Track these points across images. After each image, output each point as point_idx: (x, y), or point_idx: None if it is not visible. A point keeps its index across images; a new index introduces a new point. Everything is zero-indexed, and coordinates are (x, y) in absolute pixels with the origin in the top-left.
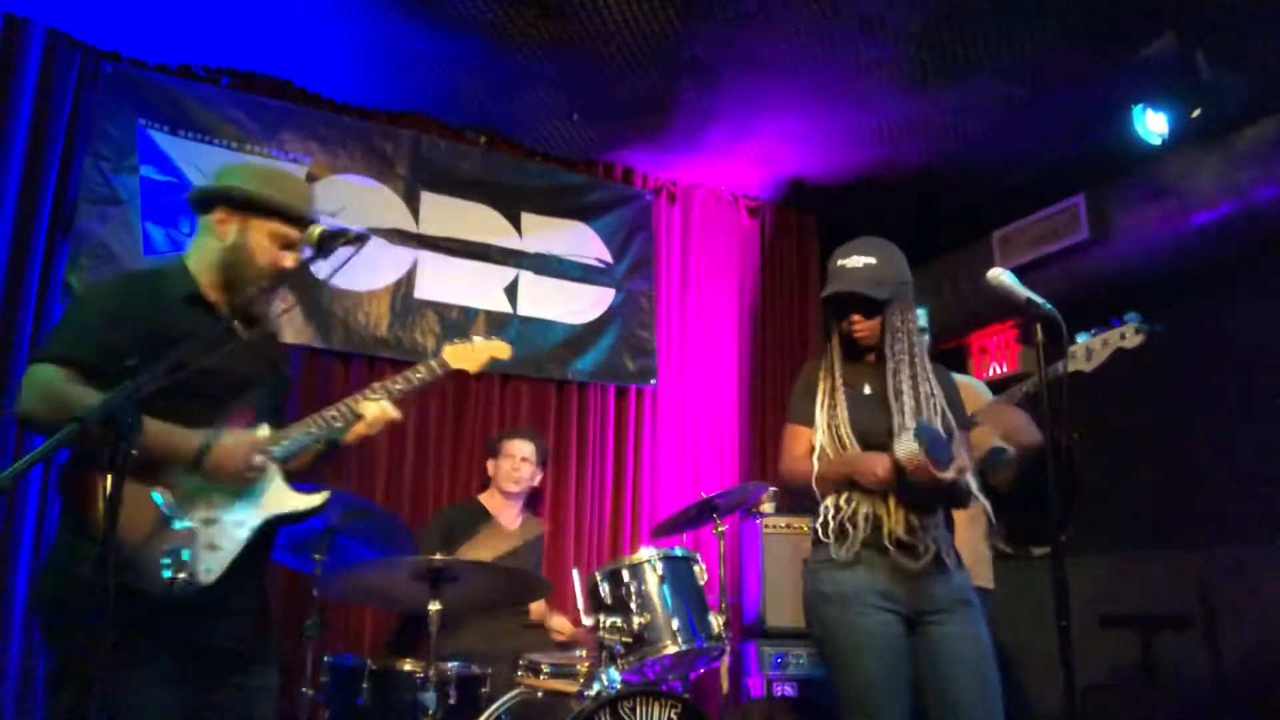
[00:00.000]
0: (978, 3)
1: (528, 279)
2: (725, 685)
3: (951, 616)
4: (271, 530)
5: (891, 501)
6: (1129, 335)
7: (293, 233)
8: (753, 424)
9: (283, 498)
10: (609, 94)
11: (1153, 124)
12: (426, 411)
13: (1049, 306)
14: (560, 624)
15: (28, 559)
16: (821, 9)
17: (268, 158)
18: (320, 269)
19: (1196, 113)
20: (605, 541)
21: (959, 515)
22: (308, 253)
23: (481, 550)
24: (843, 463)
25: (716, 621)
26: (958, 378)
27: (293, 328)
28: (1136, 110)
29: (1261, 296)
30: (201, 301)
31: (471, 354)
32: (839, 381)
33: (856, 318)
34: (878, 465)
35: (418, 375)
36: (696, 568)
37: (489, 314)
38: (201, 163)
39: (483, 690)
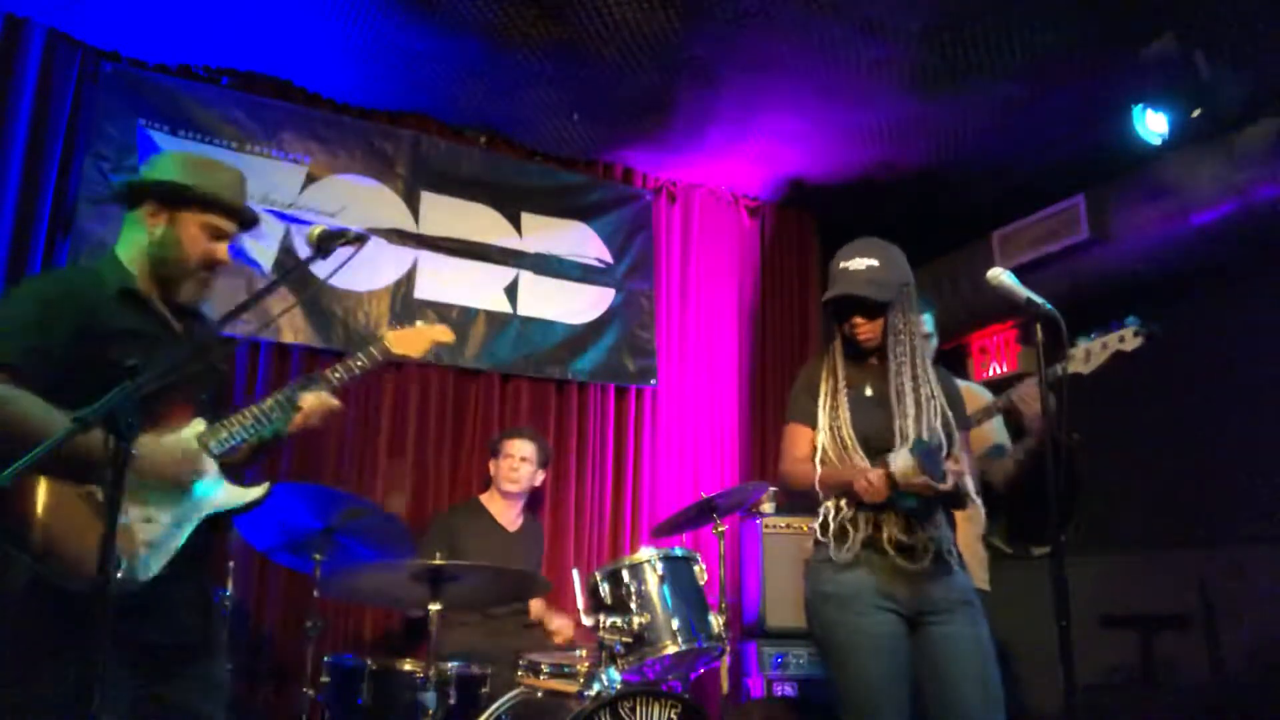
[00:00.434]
0: (978, 3)
1: (528, 279)
2: (725, 685)
3: (952, 617)
4: (212, 525)
5: (891, 507)
6: (1128, 338)
7: (224, 223)
8: (753, 424)
9: (221, 493)
10: (609, 94)
11: (1153, 124)
12: (426, 411)
13: (1049, 306)
14: (560, 625)
15: None
16: (822, 9)
17: (268, 158)
18: (320, 269)
19: (1196, 113)
20: (605, 541)
21: (956, 515)
22: (308, 252)
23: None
24: (840, 475)
25: (716, 621)
26: (958, 383)
27: (293, 328)
28: (1136, 110)
29: (1261, 296)
30: (134, 296)
31: (414, 338)
32: (841, 383)
33: (859, 320)
34: (874, 482)
35: (358, 363)
36: (696, 568)
37: (489, 314)
38: None
39: (483, 690)
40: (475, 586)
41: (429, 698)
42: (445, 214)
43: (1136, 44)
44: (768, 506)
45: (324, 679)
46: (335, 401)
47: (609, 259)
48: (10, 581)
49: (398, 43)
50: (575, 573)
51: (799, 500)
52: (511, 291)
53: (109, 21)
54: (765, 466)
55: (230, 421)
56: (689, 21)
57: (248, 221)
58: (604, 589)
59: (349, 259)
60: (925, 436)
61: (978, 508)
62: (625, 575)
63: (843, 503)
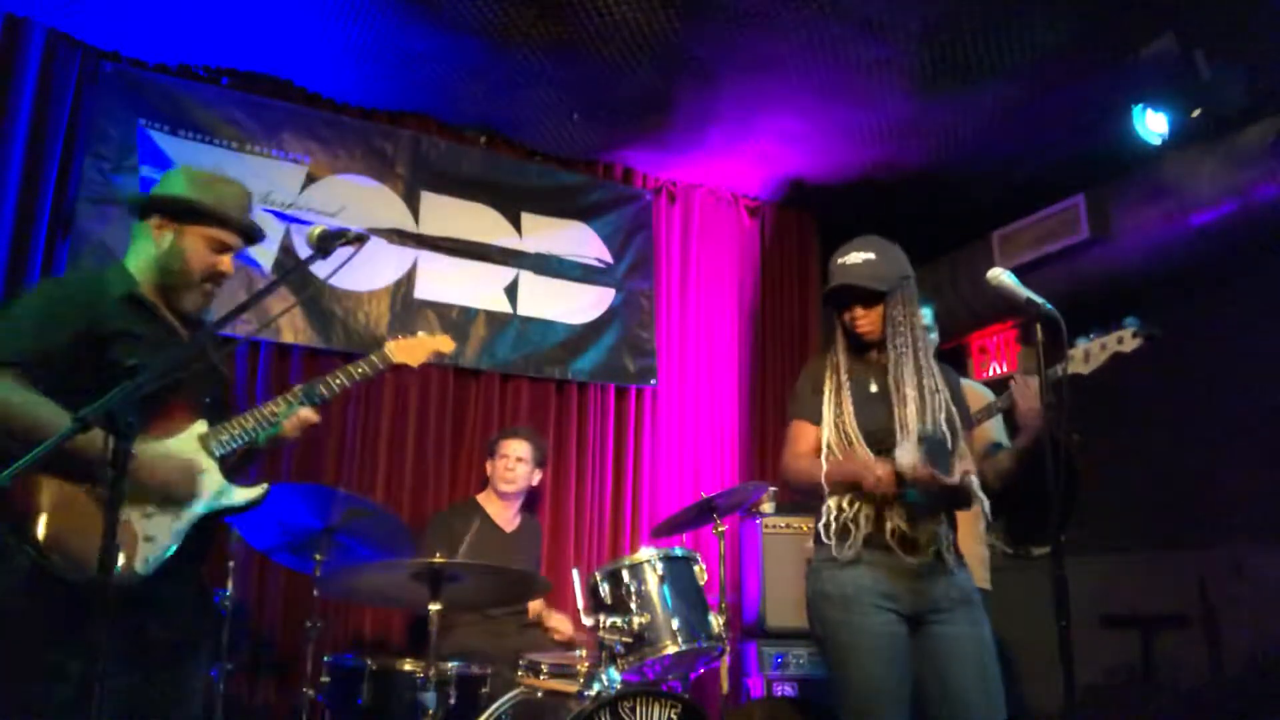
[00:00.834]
0: (978, 3)
1: (528, 279)
2: (725, 685)
3: (953, 616)
4: (211, 525)
5: (896, 502)
6: (1126, 339)
7: (227, 237)
8: (753, 424)
9: (220, 492)
10: (609, 94)
11: (1153, 124)
12: (426, 411)
13: (1049, 306)
14: (558, 622)
15: None
16: (822, 9)
17: (268, 158)
18: (320, 269)
19: (1196, 113)
20: (605, 541)
21: (957, 514)
22: (308, 252)
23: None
24: (847, 468)
25: (716, 621)
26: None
27: (293, 328)
28: (1136, 110)
29: (1261, 296)
30: (140, 302)
31: (415, 348)
32: (844, 378)
33: (858, 311)
34: (881, 474)
35: (359, 370)
36: (696, 568)
37: (489, 314)
38: (202, 163)
39: (483, 690)
40: (475, 586)
41: (429, 698)
42: (445, 214)
43: (1136, 44)
44: (768, 506)
45: (324, 679)
46: (314, 416)
47: (609, 259)
48: (13, 571)
49: (398, 43)
50: (575, 573)
51: (799, 498)
52: (511, 291)
53: (109, 21)
54: (765, 466)
55: (232, 424)
56: (689, 21)
57: (252, 236)
58: (604, 589)
59: (349, 259)
60: (929, 429)
61: (980, 507)
62: (625, 575)
63: (845, 500)
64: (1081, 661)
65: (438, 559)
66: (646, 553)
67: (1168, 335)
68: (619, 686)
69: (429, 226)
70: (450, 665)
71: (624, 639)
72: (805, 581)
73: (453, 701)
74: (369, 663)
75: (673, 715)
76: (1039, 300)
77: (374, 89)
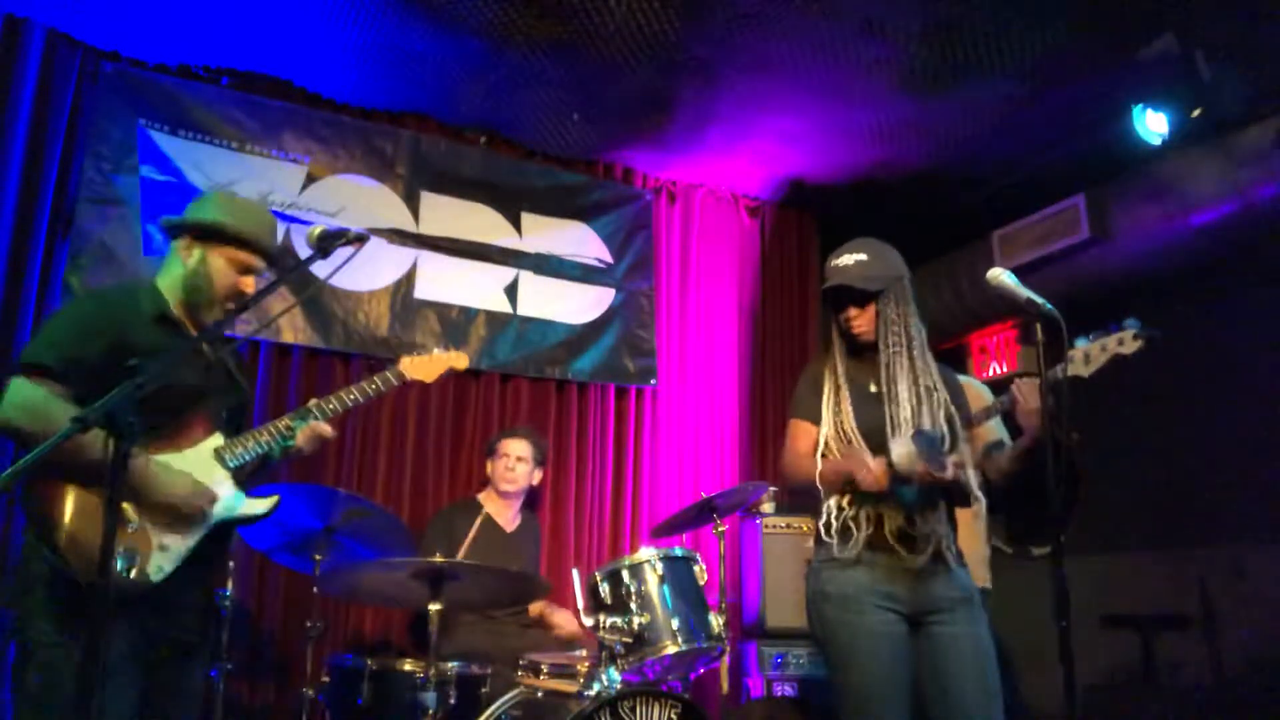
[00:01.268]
0: (978, 3)
1: (528, 279)
2: (725, 685)
3: (953, 616)
4: (222, 533)
5: (892, 499)
6: (1127, 341)
7: (251, 259)
8: (753, 424)
9: (233, 502)
10: (609, 94)
11: (1153, 124)
12: (426, 412)
13: (1049, 306)
14: (563, 619)
15: None
16: (822, 9)
17: (268, 157)
18: (320, 269)
19: (1196, 113)
20: (605, 541)
21: (958, 514)
22: (308, 252)
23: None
24: (841, 465)
25: (716, 621)
26: (961, 379)
27: (293, 328)
28: (1136, 110)
29: (1261, 297)
30: (169, 320)
31: (429, 365)
32: (843, 378)
33: (852, 310)
34: (875, 470)
35: (372, 386)
36: (696, 568)
37: (489, 314)
38: (202, 163)
39: (483, 690)
40: (475, 587)
41: (429, 698)
42: (445, 214)
43: (1136, 44)
44: (768, 506)
45: (324, 679)
46: (328, 430)
47: (609, 259)
48: (35, 568)
49: (398, 43)
50: (575, 573)
51: (799, 498)
52: (511, 291)
53: (109, 21)
54: (765, 466)
55: (246, 437)
56: (689, 21)
57: (274, 259)
58: (604, 589)
59: (349, 259)
60: (926, 425)
61: (980, 507)
62: (625, 575)
63: (845, 500)
64: (1081, 661)
65: (438, 559)
66: (646, 553)
67: (1167, 335)
68: (619, 686)
69: (429, 226)
70: (450, 665)
71: (624, 639)
72: (805, 581)
73: (453, 701)
74: (369, 663)
75: (673, 715)
76: (1039, 300)
77: (374, 89)
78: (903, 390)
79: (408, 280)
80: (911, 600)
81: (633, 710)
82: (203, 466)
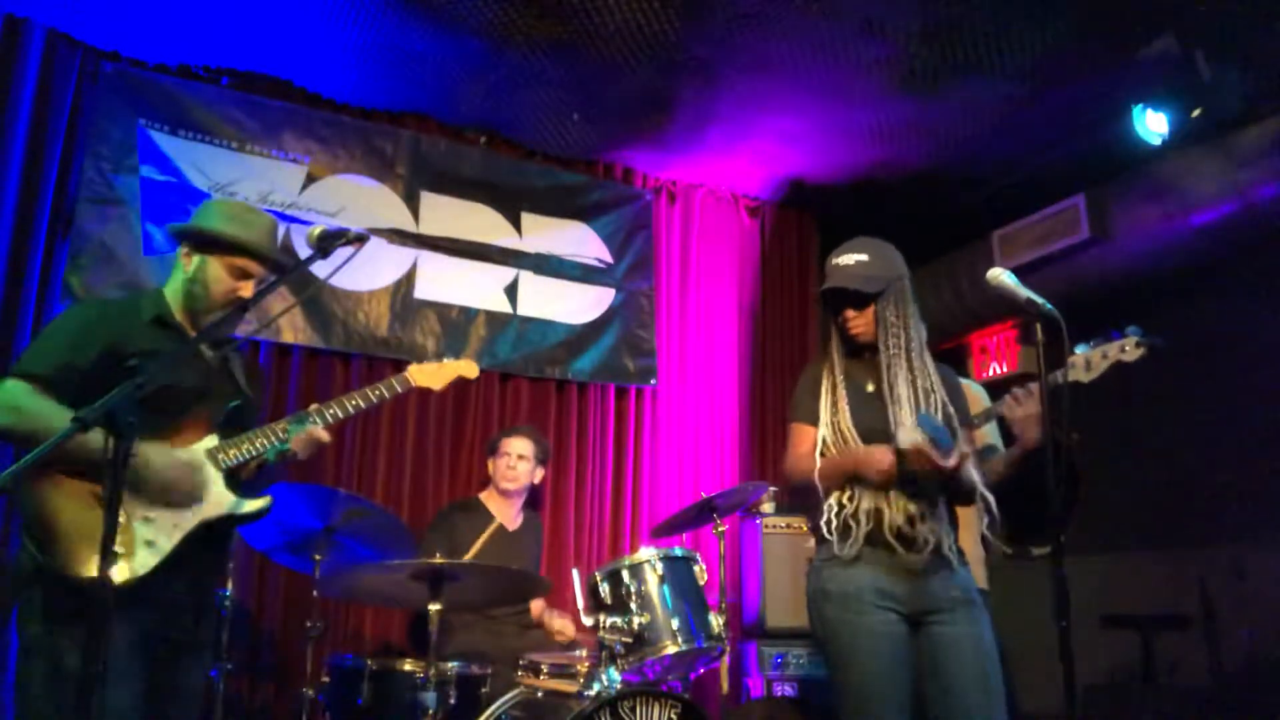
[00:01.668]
0: (978, 3)
1: (528, 279)
2: (725, 685)
3: (954, 615)
4: (217, 533)
5: (893, 494)
6: (1129, 348)
7: (249, 265)
8: (753, 424)
9: (222, 501)
10: (609, 94)
11: (1153, 124)
12: (426, 411)
13: (1049, 306)
14: (562, 626)
15: None
16: (821, 9)
17: (268, 157)
18: (320, 269)
19: (1196, 113)
20: (605, 541)
21: (958, 514)
22: (308, 252)
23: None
24: (846, 456)
25: (716, 621)
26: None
27: (293, 328)
28: (1136, 110)
29: (1261, 297)
30: (167, 324)
31: (438, 373)
32: (840, 379)
33: (850, 312)
34: (881, 457)
35: (377, 393)
36: (696, 568)
37: (489, 314)
38: (202, 163)
39: (483, 690)
40: (475, 586)
41: (429, 698)
42: (445, 214)
43: (1136, 44)
44: (768, 506)
45: (324, 679)
46: (325, 435)
47: (609, 259)
48: (23, 564)
49: (398, 43)
50: (575, 573)
51: (801, 499)
52: (511, 291)
53: (109, 21)
54: (765, 466)
55: (241, 439)
56: (689, 21)
57: (273, 264)
58: (604, 589)
59: (349, 259)
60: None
61: (979, 506)
62: (625, 575)
63: (845, 497)
64: (1081, 661)
65: (437, 559)
66: (646, 553)
67: (1168, 336)
68: (619, 686)
69: (429, 226)
70: (450, 665)
71: (624, 639)
72: (806, 580)
73: (453, 701)
74: (369, 663)
75: (673, 715)
76: (1039, 300)
77: (374, 89)
78: (901, 391)
79: (408, 280)
80: (912, 600)
81: (633, 710)
82: (195, 465)
